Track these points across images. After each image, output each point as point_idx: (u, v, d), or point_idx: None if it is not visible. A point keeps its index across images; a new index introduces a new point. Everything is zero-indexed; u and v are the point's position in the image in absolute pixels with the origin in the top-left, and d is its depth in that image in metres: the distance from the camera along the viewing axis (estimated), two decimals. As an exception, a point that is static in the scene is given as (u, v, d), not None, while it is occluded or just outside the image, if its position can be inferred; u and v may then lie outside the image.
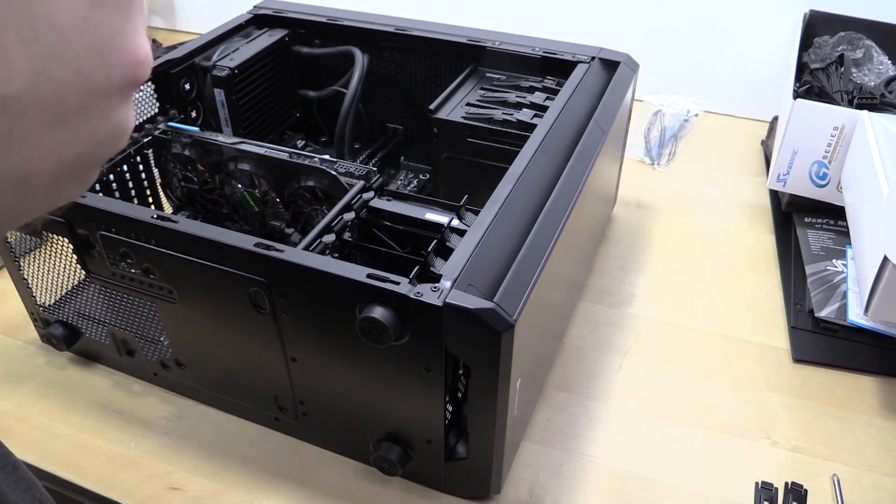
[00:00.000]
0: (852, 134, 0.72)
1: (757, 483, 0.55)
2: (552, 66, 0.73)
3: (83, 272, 0.58)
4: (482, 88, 0.73)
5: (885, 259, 0.56)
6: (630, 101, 0.74)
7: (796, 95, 0.77)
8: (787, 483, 0.55)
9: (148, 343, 0.60)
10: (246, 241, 0.48)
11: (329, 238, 0.51)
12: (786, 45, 0.93)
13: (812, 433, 0.59)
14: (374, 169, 0.59)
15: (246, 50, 0.75)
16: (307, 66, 0.82)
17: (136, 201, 0.68)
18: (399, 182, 0.83)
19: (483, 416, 0.47)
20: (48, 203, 0.22)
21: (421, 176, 0.83)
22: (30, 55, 0.18)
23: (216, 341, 0.55)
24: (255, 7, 0.83)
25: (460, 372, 0.49)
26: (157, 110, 0.71)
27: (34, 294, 0.63)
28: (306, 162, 0.61)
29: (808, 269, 0.72)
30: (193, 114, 0.75)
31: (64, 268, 0.60)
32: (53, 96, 0.19)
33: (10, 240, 0.61)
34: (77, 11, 0.19)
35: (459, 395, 0.50)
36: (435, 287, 0.44)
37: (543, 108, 0.66)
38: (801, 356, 0.66)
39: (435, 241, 0.50)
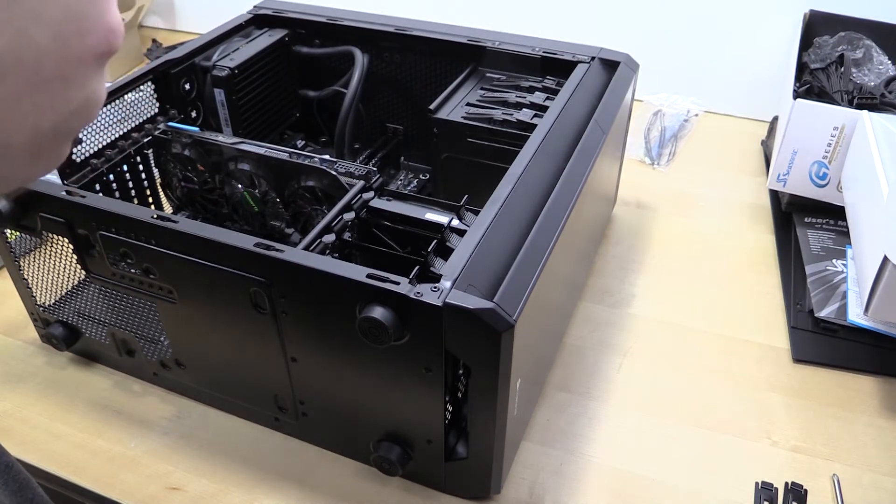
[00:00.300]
0: (852, 134, 0.72)
1: (757, 483, 0.55)
2: (552, 66, 0.73)
3: (83, 272, 0.58)
4: (482, 88, 0.73)
5: (885, 259, 0.56)
6: (630, 101, 0.74)
7: (796, 95, 0.77)
8: (787, 483, 0.55)
9: (148, 343, 0.60)
10: (246, 241, 0.48)
11: (329, 238, 0.51)
12: (786, 45, 0.93)
13: (812, 433, 0.59)
14: (374, 169, 0.59)
15: (246, 50, 0.76)
16: (307, 66, 0.82)
17: (136, 201, 0.68)
18: (399, 182, 0.83)
19: (483, 416, 0.47)
20: (25, 173, 0.22)
21: (421, 176, 0.83)
22: (10, 16, 0.18)
23: (216, 341, 0.55)
24: (255, 7, 0.83)
25: (460, 372, 0.49)
26: (157, 110, 0.71)
27: (34, 294, 0.63)
28: (306, 162, 0.61)
29: (808, 269, 0.72)
30: (193, 114, 0.75)
31: (64, 268, 0.60)
32: (32, 60, 0.19)
33: (10, 240, 0.61)
34: None
35: (459, 395, 0.50)
36: (435, 287, 0.44)
37: (543, 108, 0.66)
38: (801, 356, 0.66)
39: (435, 241, 0.50)
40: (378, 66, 0.79)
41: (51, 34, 0.20)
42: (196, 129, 0.67)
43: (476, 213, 0.52)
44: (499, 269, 0.47)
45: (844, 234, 0.76)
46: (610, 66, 0.72)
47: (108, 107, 0.65)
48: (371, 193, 0.57)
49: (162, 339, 0.59)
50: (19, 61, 0.19)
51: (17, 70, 0.19)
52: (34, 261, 0.62)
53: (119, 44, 0.22)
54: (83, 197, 0.53)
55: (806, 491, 0.54)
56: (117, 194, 0.66)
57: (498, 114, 0.68)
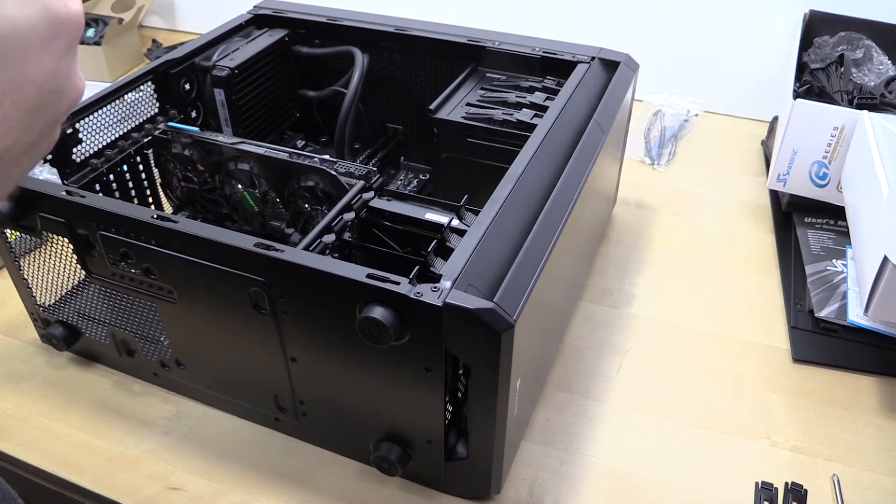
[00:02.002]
0: (852, 134, 0.72)
1: (757, 483, 0.55)
2: (552, 66, 0.73)
3: (83, 272, 0.58)
4: (482, 88, 0.73)
5: (885, 259, 0.56)
6: (630, 101, 0.74)
7: (796, 95, 0.77)
8: (787, 483, 0.55)
9: (148, 343, 0.60)
10: (246, 241, 0.48)
11: (329, 238, 0.51)
12: (786, 45, 0.93)
13: (812, 433, 0.59)
14: (374, 169, 0.59)
15: (246, 50, 0.76)
16: (307, 66, 0.82)
17: (136, 201, 0.68)
18: (399, 182, 0.83)
19: (483, 416, 0.47)
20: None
21: (421, 176, 0.83)
22: (20, 112, 0.22)
23: (216, 341, 0.55)
24: (255, 7, 0.83)
25: (460, 372, 0.49)
26: (157, 110, 0.71)
27: (34, 294, 0.63)
28: (306, 162, 0.61)
29: (808, 269, 0.72)
30: (193, 114, 0.75)
31: (64, 268, 0.60)
32: (29, 138, 0.24)
33: (10, 240, 0.61)
34: (48, 66, 0.23)
35: (459, 395, 0.50)
36: (435, 287, 0.44)
37: (543, 108, 0.66)
38: (801, 356, 0.66)
39: (435, 241, 0.50)
40: (378, 66, 0.79)
41: (43, 113, 0.24)
42: (196, 129, 0.67)
43: (476, 213, 0.52)
44: (499, 269, 0.47)
45: (844, 234, 0.76)
46: (610, 66, 0.72)
47: (108, 107, 0.65)
48: (371, 193, 0.57)
49: (162, 339, 0.59)
50: (23, 142, 0.23)
51: (21, 148, 0.24)
52: (34, 261, 0.62)
53: (81, 96, 0.26)
54: (83, 197, 0.53)
55: (806, 491, 0.54)
56: (117, 194, 0.66)
57: (498, 114, 0.68)
